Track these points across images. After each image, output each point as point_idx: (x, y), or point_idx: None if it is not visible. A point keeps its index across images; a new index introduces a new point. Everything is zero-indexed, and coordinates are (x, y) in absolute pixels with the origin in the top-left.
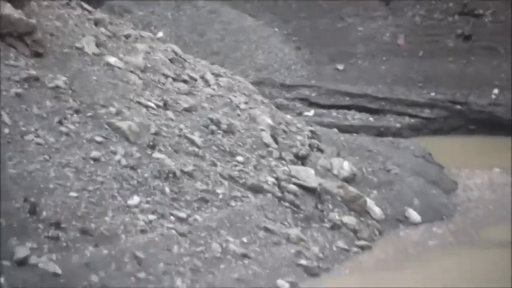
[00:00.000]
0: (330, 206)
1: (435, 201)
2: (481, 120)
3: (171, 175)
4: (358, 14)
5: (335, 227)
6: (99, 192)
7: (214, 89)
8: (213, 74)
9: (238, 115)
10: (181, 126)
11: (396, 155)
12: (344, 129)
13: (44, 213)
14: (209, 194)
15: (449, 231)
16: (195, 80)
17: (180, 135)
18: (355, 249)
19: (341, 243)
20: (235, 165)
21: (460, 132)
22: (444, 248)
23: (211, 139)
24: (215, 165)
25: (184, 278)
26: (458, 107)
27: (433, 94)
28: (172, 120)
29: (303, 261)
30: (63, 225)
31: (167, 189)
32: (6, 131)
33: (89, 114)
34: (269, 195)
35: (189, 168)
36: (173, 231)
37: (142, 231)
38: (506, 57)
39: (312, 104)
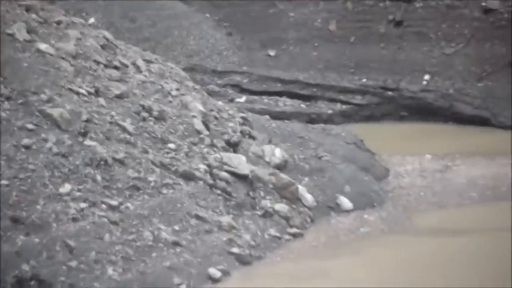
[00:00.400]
0: (262, 194)
1: (367, 188)
2: (412, 107)
3: (102, 162)
4: (289, 0)
5: (267, 214)
6: (31, 180)
7: (145, 76)
8: (144, 60)
9: (170, 102)
10: (113, 113)
11: (328, 142)
12: (276, 116)
13: None
14: (141, 181)
15: (380, 218)
16: (127, 66)
17: (111, 122)
18: (287, 236)
19: (273, 231)
20: (167, 153)
21: (392, 119)
22: (376, 236)
23: (142, 126)
24: (147, 152)
25: (115, 266)
26: (390, 93)
27: (364, 80)
28: (103, 107)
29: (235, 249)
30: None
31: (99, 177)
32: None
33: (20, 101)
34: (201, 182)
35: (121, 155)
36: (105, 220)
37: (74, 220)
38: (437, 43)
39: (243, 91)
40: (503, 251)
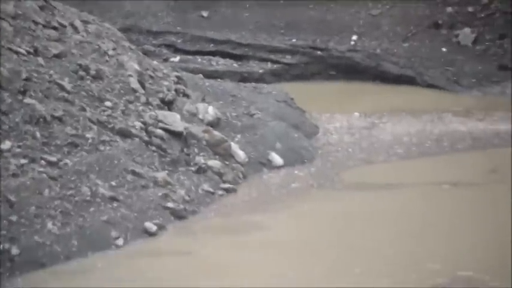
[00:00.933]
0: (196, 150)
1: (297, 145)
2: (340, 66)
3: (41, 120)
4: None
5: (200, 170)
6: None
7: (83, 36)
8: (81, 21)
9: (107, 61)
10: (51, 72)
11: (259, 100)
12: (209, 75)
13: None
14: (79, 138)
15: (310, 174)
16: (65, 27)
17: (50, 81)
18: (220, 192)
19: (206, 186)
20: (104, 110)
21: (321, 78)
22: (306, 190)
23: (80, 85)
24: (84, 110)
25: (55, 220)
26: (319, 53)
27: (294, 40)
28: (42, 66)
29: (170, 204)
30: None
31: (38, 134)
32: None
33: None
34: (137, 139)
35: (59, 113)
36: (44, 175)
37: (14, 175)
38: (364, 4)
39: (177, 50)
40: (428, 204)
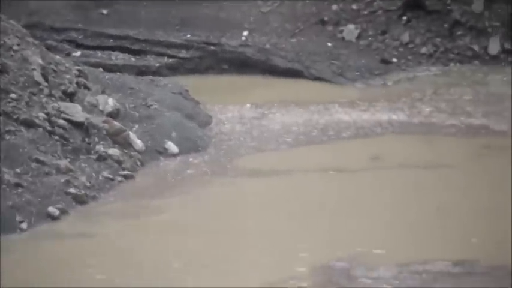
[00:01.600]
0: (96, 139)
1: (192, 134)
2: (232, 60)
3: None
4: None
5: (101, 158)
6: None
7: None
8: None
9: (12, 56)
10: None
11: (156, 92)
12: (108, 69)
13: None
14: None
15: (204, 161)
16: None
17: None
18: (119, 178)
19: (106, 173)
20: (9, 102)
21: (214, 71)
22: (200, 177)
23: None
24: None
25: None
26: (212, 48)
27: (189, 36)
28: None
29: (72, 190)
30: None
31: None
32: None
33: None
34: (40, 129)
35: None
36: None
37: None
38: (254, 2)
39: (79, 46)
40: (315, 189)
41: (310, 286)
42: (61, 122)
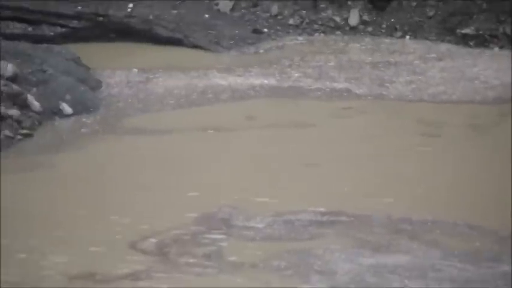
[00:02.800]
0: None
1: (84, 97)
2: (119, 30)
3: None
4: None
5: (2, 118)
6: None
7: None
8: None
9: None
10: None
11: (51, 59)
12: (8, 37)
13: None
14: None
15: (96, 121)
16: None
17: None
18: (19, 137)
19: (7, 132)
20: None
21: (104, 40)
22: (93, 135)
23: None
24: None
25: None
26: (100, 18)
27: (79, 8)
28: None
29: None
30: None
31: None
32: None
33: None
34: None
35: None
36: None
37: None
38: None
39: None
40: (195, 146)
41: (197, 230)
42: None
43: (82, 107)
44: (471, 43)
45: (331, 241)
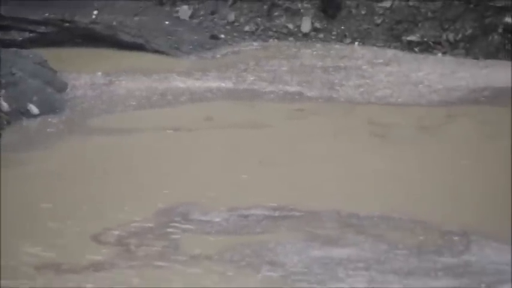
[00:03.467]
0: None
1: (50, 98)
2: (85, 35)
3: None
4: None
5: None
6: None
7: None
8: None
9: None
10: None
11: (20, 62)
12: None
13: None
14: None
15: (61, 121)
16: None
17: None
18: None
19: None
20: None
21: (69, 45)
22: (59, 134)
23: None
24: None
25: None
26: (67, 24)
27: (47, 14)
28: None
29: None
30: None
31: None
32: None
33: None
34: None
35: None
36: None
37: None
38: None
39: None
40: (155, 146)
41: (156, 223)
42: None
43: (48, 108)
44: (416, 49)
45: (283, 235)
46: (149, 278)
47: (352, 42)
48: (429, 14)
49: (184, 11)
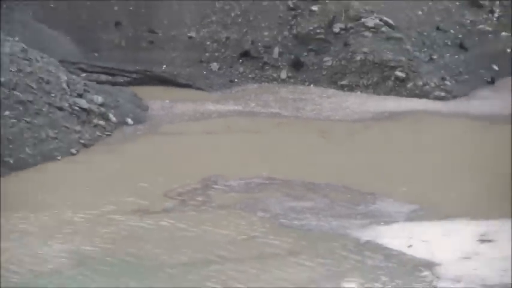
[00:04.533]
0: (93, 116)
1: (139, 115)
2: (159, 79)
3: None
4: None
5: (96, 125)
6: None
7: None
8: None
9: (50, 75)
10: None
11: (121, 94)
12: (98, 82)
13: None
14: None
15: (145, 128)
16: None
17: None
18: (105, 135)
19: (98, 133)
20: (53, 97)
21: (150, 84)
22: (143, 135)
23: None
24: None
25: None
26: (148, 73)
27: (137, 67)
28: None
29: (82, 141)
30: None
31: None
32: None
33: None
34: (66, 111)
35: None
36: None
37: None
38: None
39: (84, 71)
40: (202, 143)
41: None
42: (75, 107)
43: (138, 120)
44: (345, 89)
45: (270, 193)
46: (195, 218)
47: (309, 84)
48: (352, 69)
49: (214, 66)
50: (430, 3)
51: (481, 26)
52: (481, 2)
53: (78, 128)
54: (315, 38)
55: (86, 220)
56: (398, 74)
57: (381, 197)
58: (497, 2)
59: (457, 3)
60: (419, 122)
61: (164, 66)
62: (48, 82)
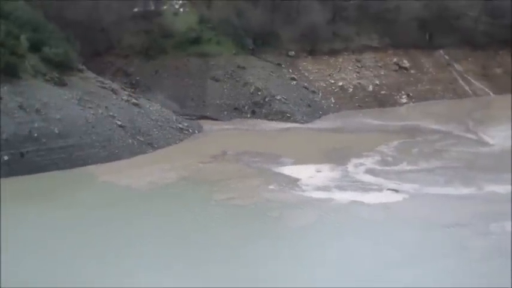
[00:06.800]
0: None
1: (199, 129)
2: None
3: None
4: None
5: (180, 129)
6: None
7: None
8: None
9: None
10: None
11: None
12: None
13: None
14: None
15: (201, 134)
16: None
17: None
18: (181, 136)
19: (182, 137)
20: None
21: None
22: (201, 136)
23: None
24: None
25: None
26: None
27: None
28: None
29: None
30: None
31: None
32: None
33: None
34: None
35: None
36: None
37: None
38: None
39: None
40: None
41: (232, 153)
42: (179, 126)
43: (199, 131)
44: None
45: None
46: (219, 167)
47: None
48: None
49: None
50: None
51: None
52: None
53: (180, 133)
54: None
55: (182, 165)
56: (288, 115)
57: (281, 157)
58: None
59: None
60: (294, 131)
61: (208, 112)
62: (168, 119)
